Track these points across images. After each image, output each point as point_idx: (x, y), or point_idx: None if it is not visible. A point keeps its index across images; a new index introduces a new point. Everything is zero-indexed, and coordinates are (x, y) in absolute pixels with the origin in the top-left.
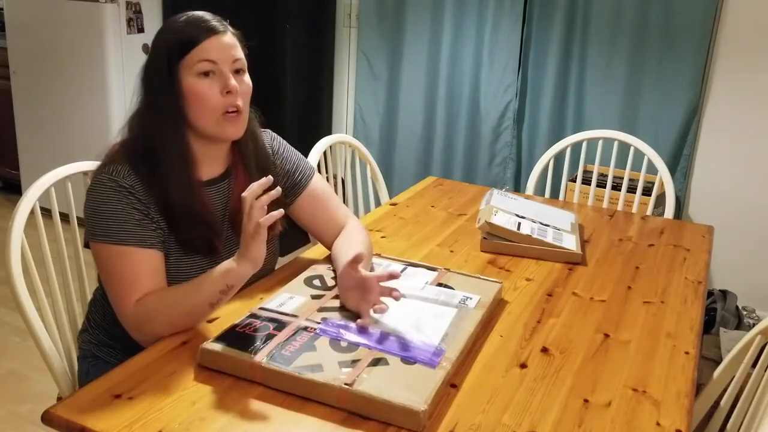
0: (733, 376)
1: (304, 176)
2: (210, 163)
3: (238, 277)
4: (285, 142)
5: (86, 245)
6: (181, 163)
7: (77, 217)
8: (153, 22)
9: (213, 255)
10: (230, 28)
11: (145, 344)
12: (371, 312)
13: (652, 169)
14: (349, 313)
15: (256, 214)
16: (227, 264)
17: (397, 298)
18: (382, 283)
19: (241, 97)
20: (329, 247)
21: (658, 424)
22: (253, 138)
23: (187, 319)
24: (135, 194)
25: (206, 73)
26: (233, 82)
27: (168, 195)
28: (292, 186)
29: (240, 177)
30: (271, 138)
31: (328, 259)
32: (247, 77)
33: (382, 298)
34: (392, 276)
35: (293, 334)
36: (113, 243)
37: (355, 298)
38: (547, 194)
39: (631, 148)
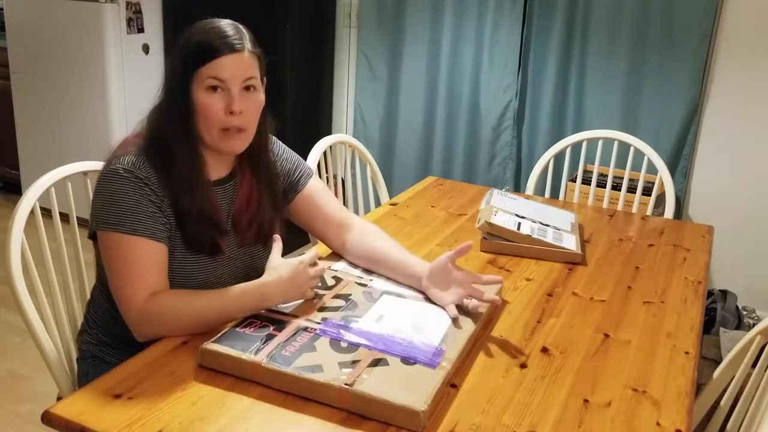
0: (733, 376)
1: (303, 175)
2: (217, 165)
3: (274, 305)
4: (283, 144)
5: (91, 236)
6: (194, 165)
7: (77, 217)
8: (153, 22)
9: (217, 255)
10: (249, 45)
11: (142, 340)
12: (455, 305)
13: (652, 169)
14: (350, 313)
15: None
16: (268, 289)
17: (474, 309)
18: (475, 285)
19: (246, 116)
20: (329, 244)
21: (658, 424)
22: (265, 151)
23: (198, 327)
24: (150, 186)
25: (214, 88)
26: (237, 103)
27: (180, 195)
28: (291, 185)
29: (246, 181)
30: (271, 142)
31: (328, 259)
32: (258, 94)
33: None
34: (492, 281)
35: (293, 335)
36: (124, 233)
37: (440, 289)
38: (547, 194)
39: (631, 148)
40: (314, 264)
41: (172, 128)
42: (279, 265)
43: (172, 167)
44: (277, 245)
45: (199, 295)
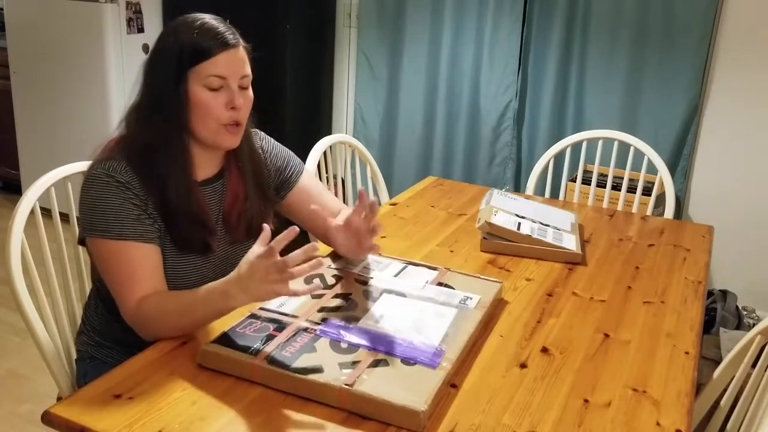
0: (733, 376)
1: (294, 171)
2: (205, 164)
3: (240, 304)
4: (273, 140)
5: (80, 242)
6: (180, 164)
7: (77, 217)
8: (153, 22)
9: (208, 254)
10: (242, 41)
11: (147, 340)
12: (375, 245)
13: (652, 169)
14: (350, 313)
15: (298, 275)
16: (231, 288)
17: (376, 229)
18: (363, 216)
19: (243, 111)
20: (325, 238)
21: (658, 424)
22: (248, 142)
23: (186, 329)
24: (132, 190)
25: (214, 88)
26: (239, 98)
27: (166, 195)
28: (283, 182)
29: (234, 178)
30: (260, 138)
31: (328, 258)
32: (250, 91)
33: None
34: (361, 197)
35: (293, 335)
36: (112, 238)
37: (352, 245)
38: (547, 194)
39: (631, 148)
40: (272, 254)
41: (160, 130)
42: (245, 260)
43: (155, 168)
44: (261, 237)
45: (176, 297)
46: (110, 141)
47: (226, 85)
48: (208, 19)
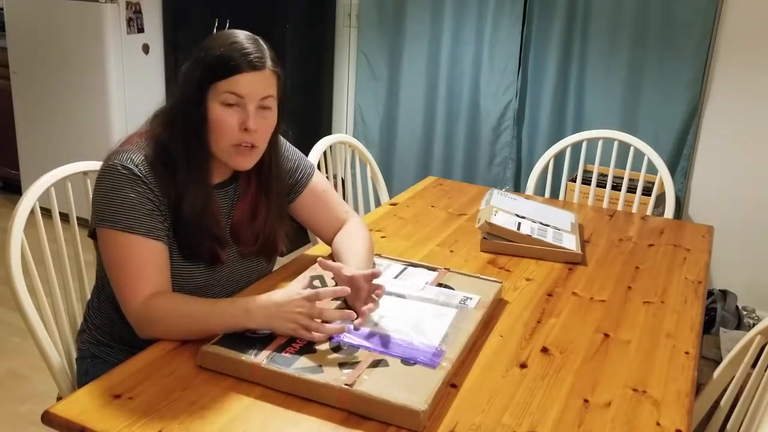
0: (733, 376)
1: (305, 174)
2: (220, 168)
3: (256, 326)
4: (286, 141)
5: (91, 234)
6: (197, 175)
7: (77, 217)
8: (153, 22)
9: (215, 263)
10: (270, 63)
11: (143, 338)
12: (365, 310)
13: (652, 169)
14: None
15: (323, 332)
16: (256, 309)
17: (378, 296)
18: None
19: (260, 134)
20: (329, 242)
21: (658, 424)
22: (275, 162)
23: (193, 336)
24: (148, 185)
25: (231, 103)
26: (252, 120)
27: (180, 199)
28: (293, 184)
29: (250, 190)
30: (281, 148)
31: (329, 258)
32: (272, 113)
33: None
34: (375, 275)
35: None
36: (121, 230)
37: (349, 297)
38: (547, 194)
39: (631, 148)
40: (316, 299)
41: (181, 135)
42: (283, 291)
43: (174, 171)
44: (301, 277)
45: (191, 303)
46: (133, 135)
47: (242, 104)
48: (242, 38)
